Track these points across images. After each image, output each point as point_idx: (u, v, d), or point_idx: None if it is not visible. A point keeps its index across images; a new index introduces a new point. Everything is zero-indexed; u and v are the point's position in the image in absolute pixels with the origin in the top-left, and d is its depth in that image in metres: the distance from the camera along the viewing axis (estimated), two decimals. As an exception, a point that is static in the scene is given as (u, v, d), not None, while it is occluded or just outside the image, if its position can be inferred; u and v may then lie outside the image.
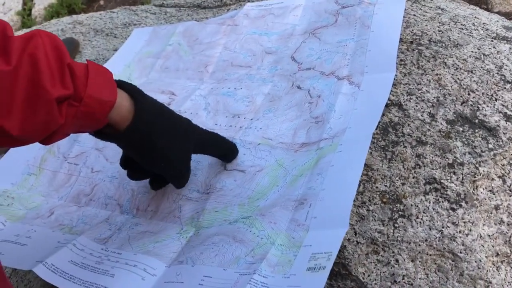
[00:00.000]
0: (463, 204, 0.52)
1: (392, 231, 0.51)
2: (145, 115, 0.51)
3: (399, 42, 0.68)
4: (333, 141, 0.58)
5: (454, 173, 0.55)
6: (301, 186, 0.55)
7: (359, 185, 0.54)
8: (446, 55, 0.67)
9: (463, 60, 0.66)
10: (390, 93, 0.62)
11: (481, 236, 0.51)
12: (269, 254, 0.49)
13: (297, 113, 0.66)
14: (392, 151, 0.57)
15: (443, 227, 0.51)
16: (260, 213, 0.55)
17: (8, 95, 0.41)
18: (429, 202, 0.53)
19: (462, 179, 0.54)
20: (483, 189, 0.54)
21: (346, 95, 0.64)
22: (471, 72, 0.64)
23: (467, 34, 0.70)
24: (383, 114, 0.60)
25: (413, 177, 0.55)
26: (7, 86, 0.40)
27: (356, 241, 0.51)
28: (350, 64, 0.68)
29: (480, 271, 0.49)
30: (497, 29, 0.71)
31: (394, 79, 0.64)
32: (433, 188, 0.54)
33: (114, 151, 0.70)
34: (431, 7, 0.77)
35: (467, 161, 0.55)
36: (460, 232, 0.51)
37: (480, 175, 0.54)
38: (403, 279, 0.48)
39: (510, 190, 0.54)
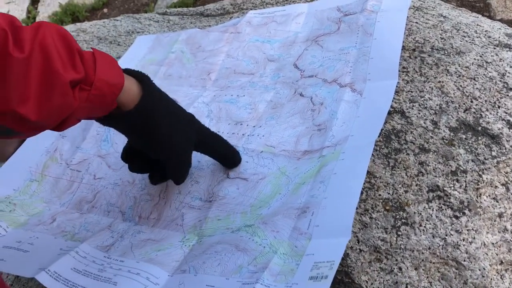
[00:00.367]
0: (466, 212, 0.52)
1: (395, 239, 0.51)
2: (152, 98, 0.53)
3: (402, 49, 0.68)
4: (336, 148, 0.58)
5: (457, 180, 0.54)
6: (303, 194, 0.55)
7: (362, 193, 0.54)
8: (449, 63, 0.67)
9: (466, 67, 0.66)
10: (392, 101, 0.62)
11: (484, 244, 0.50)
12: (271, 263, 0.49)
13: (299, 121, 0.66)
14: (395, 159, 0.57)
15: (446, 235, 0.51)
16: (262, 222, 0.55)
17: (24, 81, 0.42)
18: (432, 210, 0.52)
19: (466, 186, 0.54)
20: (487, 196, 0.53)
21: (349, 103, 0.64)
22: (474, 79, 0.64)
23: (470, 42, 0.70)
24: (385, 122, 0.60)
25: (416, 185, 0.55)
26: (23, 73, 0.42)
27: (359, 249, 0.51)
28: (353, 71, 0.68)
29: (484, 280, 0.48)
30: (499, 37, 0.71)
31: (397, 86, 0.64)
32: (436, 195, 0.53)
33: (116, 158, 0.70)
34: (433, 15, 0.77)
35: (470, 168, 0.55)
36: (463, 240, 0.50)
37: (483, 182, 0.54)
38: (406, 287, 0.48)
39: (514, 198, 0.54)
